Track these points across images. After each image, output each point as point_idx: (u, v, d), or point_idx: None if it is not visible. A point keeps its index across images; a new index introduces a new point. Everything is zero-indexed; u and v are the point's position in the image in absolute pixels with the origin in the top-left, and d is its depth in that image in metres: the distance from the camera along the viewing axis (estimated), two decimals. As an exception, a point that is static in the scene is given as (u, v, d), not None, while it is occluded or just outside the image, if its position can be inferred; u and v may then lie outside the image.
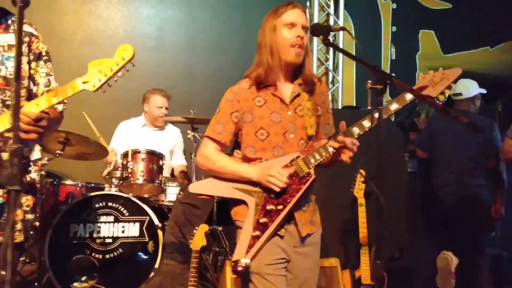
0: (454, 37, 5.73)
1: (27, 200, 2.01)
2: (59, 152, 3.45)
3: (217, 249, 3.68)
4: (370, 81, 1.62)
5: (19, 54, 1.45)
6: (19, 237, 1.96)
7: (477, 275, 3.88)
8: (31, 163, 2.07)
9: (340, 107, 5.12)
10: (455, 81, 1.95)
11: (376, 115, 1.75)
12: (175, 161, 4.36)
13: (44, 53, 2.05)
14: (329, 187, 3.70)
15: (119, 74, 1.86)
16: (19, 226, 1.96)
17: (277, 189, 1.90)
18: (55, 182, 3.66)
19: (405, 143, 4.40)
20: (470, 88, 3.94)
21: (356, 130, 1.93)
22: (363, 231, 3.28)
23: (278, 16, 1.99)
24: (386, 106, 1.93)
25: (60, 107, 2.06)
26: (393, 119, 5.09)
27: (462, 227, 3.80)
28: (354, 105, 5.33)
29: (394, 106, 1.94)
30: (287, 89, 2.05)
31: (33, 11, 4.40)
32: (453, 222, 3.85)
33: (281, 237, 1.96)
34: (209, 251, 3.58)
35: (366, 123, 1.92)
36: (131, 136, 4.16)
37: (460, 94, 3.94)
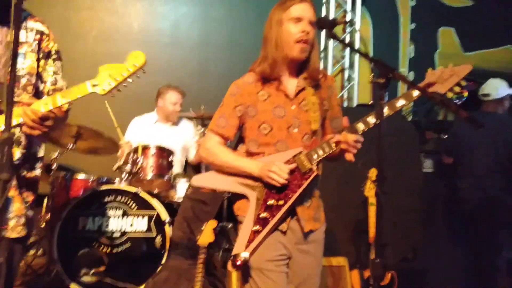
0: (474, 35, 5.59)
1: (27, 196, 2.03)
2: (70, 145, 3.48)
3: (227, 246, 3.65)
4: (372, 74, 1.57)
5: (15, 54, 1.45)
6: (22, 232, 1.97)
7: (495, 276, 3.78)
8: (39, 160, 2.10)
9: (355, 105, 5.05)
10: (468, 79, 1.88)
11: (383, 110, 1.71)
12: (190, 155, 4.32)
13: (53, 52, 2.08)
14: (341, 186, 3.66)
15: (129, 80, 1.88)
16: (22, 220, 1.98)
17: (277, 184, 1.88)
18: (67, 176, 3.68)
19: (421, 142, 4.31)
20: (499, 89, 3.81)
21: (361, 126, 1.88)
22: (373, 231, 3.22)
23: (285, 10, 1.96)
24: (392, 102, 1.88)
25: (65, 106, 2.08)
26: (410, 118, 5.00)
27: (482, 228, 3.71)
28: (370, 103, 5.24)
29: (400, 103, 1.88)
30: (291, 83, 2.02)
31: (49, 6, 4.51)
32: (475, 224, 3.77)
33: (284, 233, 1.94)
34: (218, 248, 3.56)
35: (371, 119, 1.87)
36: (144, 133, 4.17)
37: (488, 95, 3.82)
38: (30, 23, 2.01)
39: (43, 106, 1.82)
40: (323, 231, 2.07)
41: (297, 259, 1.98)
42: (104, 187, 3.51)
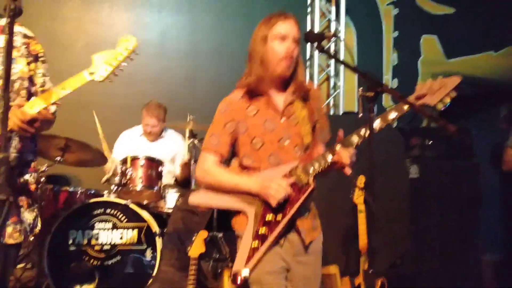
0: (457, 42, 5.69)
1: (21, 201, 2.04)
2: (58, 158, 3.46)
3: (217, 256, 3.66)
4: (361, 88, 1.61)
5: (8, 64, 1.46)
6: (19, 238, 1.99)
7: (479, 279, 3.86)
8: (29, 165, 2.09)
9: (341, 113, 5.11)
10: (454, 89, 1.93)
11: (376, 123, 1.75)
12: (177, 171, 4.28)
13: (40, 54, 2.10)
14: (330, 193, 3.68)
15: (124, 63, 1.89)
16: (19, 226, 1.99)
17: (274, 204, 1.88)
18: (55, 189, 3.66)
19: (407, 149, 4.37)
20: None
21: (355, 139, 1.91)
22: (362, 238, 3.25)
23: (270, 27, 1.97)
24: (384, 114, 1.91)
25: (52, 109, 2.09)
26: (394, 125, 5.07)
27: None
28: (356, 111, 5.30)
29: (392, 115, 1.91)
30: (279, 97, 2.04)
31: (35, 17, 4.48)
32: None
33: (281, 245, 1.93)
34: (208, 258, 3.57)
35: (364, 131, 1.90)
36: (131, 146, 4.15)
37: None
38: (14, 27, 2.01)
39: (31, 108, 1.84)
40: (321, 241, 2.08)
41: (296, 271, 1.97)
42: (93, 200, 3.50)
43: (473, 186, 3.88)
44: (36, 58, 2.07)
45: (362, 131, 1.90)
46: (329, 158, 1.92)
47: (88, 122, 3.88)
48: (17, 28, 2.02)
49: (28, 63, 2.03)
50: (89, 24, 4.78)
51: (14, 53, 1.98)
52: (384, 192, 3.63)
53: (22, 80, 2.01)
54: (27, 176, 2.08)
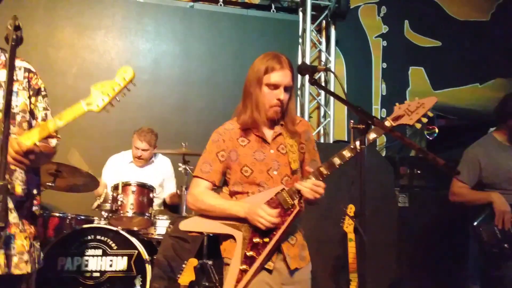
0: (443, 74, 5.85)
1: (29, 231, 2.05)
2: (50, 184, 3.45)
3: (207, 284, 3.63)
4: (352, 121, 1.67)
5: (9, 92, 1.49)
6: (26, 268, 1.98)
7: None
8: (36, 196, 2.12)
9: (331, 141, 5.17)
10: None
11: (357, 144, 1.80)
12: (166, 191, 4.33)
13: (42, 89, 2.15)
14: (320, 222, 3.71)
15: (121, 95, 1.93)
16: (26, 257, 1.98)
17: (263, 228, 1.95)
18: (44, 214, 3.63)
19: (396, 177, 4.43)
20: None
21: (336, 161, 1.99)
22: (352, 266, 3.27)
23: (265, 73, 2.06)
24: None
25: (53, 142, 2.14)
26: (383, 154, 5.15)
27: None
28: (346, 139, 5.38)
29: (372, 136, 1.99)
30: (269, 132, 2.15)
31: (29, 44, 4.52)
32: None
33: (270, 272, 1.98)
34: (198, 286, 3.54)
35: (347, 153, 1.98)
36: (120, 171, 4.16)
37: None
38: (17, 62, 2.05)
39: (28, 139, 1.86)
40: (309, 271, 2.12)
41: None
42: (83, 226, 3.48)
43: (462, 217, 3.91)
44: (37, 92, 2.12)
45: (344, 152, 1.98)
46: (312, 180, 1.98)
47: (79, 148, 3.90)
48: (19, 62, 2.07)
49: (29, 97, 2.07)
50: (83, 51, 4.84)
51: (16, 87, 2.02)
52: (373, 220, 3.66)
53: (24, 113, 2.04)
54: (34, 208, 2.11)
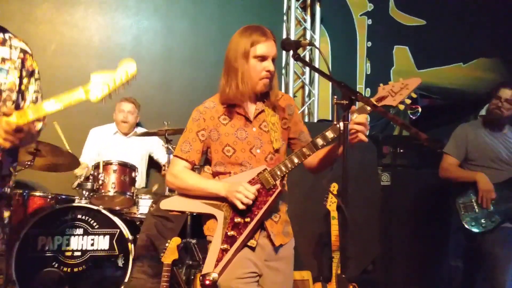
0: (427, 53, 5.83)
1: (4, 213, 2.06)
2: (28, 162, 3.38)
3: (190, 263, 3.64)
4: (336, 97, 1.64)
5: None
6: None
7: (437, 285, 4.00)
8: (9, 176, 2.09)
9: (316, 120, 5.16)
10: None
11: (340, 125, 1.78)
12: (163, 159, 4.24)
13: (36, 71, 2.15)
14: (303, 200, 3.72)
15: (121, 88, 1.90)
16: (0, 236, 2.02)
17: (242, 207, 1.93)
18: (24, 194, 3.57)
19: (379, 157, 4.45)
20: None
21: (319, 141, 1.97)
22: (335, 244, 3.30)
23: (251, 45, 2.02)
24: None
25: (39, 126, 2.11)
26: (367, 133, 5.15)
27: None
28: (330, 118, 5.37)
29: (355, 116, 1.96)
30: (251, 107, 2.11)
31: (6, 19, 4.38)
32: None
33: (253, 249, 1.97)
34: (182, 265, 3.54)
35: (329, 134, 1.96)
36: (103, 144, 4.12)
37: None
38: (14, 42, 2.07)
39: (19, 118, 1.84)
40: (292, 247, 2.13)
41: (267, 277, 2.01)
42: (63, 205, 3.43)
43: (444, 194, 3.96)
44: (31, 74, 2.11)
45: (327, 133, 1.96)
46: (296, 160, 1.97)
47: (52, 133, 3.82)
48: (17, 43, 2.08)
49: (20, 77, 2.06)
50: (62, 27, 4.70)
51: (8, 65, 2.02)
52: (356, 199, 3.68)
53: (10, 92, 2.02)
54: (6, 189, 2.09)
